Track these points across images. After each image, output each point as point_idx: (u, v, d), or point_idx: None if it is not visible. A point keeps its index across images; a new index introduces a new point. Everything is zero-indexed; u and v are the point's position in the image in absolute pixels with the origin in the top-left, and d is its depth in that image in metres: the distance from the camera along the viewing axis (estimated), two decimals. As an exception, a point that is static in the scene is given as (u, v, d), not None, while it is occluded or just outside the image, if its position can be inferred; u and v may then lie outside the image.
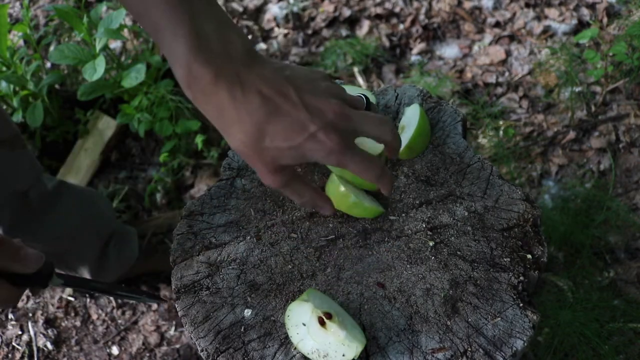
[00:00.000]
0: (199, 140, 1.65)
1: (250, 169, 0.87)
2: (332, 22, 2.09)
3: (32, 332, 1.44)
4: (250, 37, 2.10)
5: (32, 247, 1.18)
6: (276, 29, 2.10)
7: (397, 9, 2.10)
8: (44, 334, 1.43)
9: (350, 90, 0.91)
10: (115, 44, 2.02)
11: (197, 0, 0.58)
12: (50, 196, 1.17)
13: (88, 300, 1.49)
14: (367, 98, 0.75)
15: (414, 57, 1.97)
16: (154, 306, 1.47)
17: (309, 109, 0.60)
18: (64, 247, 1.24)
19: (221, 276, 0.76)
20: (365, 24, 2.07)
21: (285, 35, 2.07)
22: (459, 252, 0.74)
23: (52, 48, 1.91)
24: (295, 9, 2.10)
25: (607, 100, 1.73)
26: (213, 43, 0.57)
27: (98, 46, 1.47)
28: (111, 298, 1.48)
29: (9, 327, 1.45)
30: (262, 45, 2.06)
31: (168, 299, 1.48)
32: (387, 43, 2.00)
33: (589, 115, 1.71)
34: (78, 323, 1.46)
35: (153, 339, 1.43)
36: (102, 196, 1.38)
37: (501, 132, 1.71)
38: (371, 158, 0.65)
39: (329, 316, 0.60)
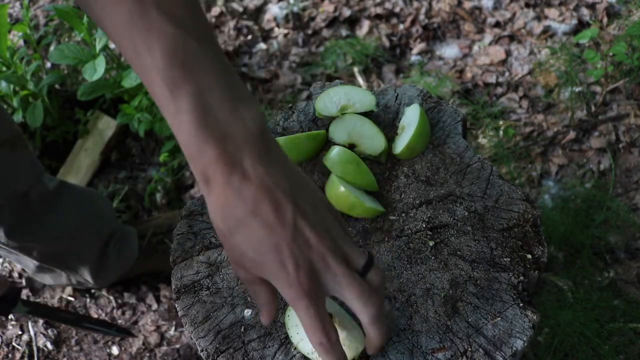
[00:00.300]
0: (199, 140, 1.65)
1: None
2: (332, 22, 2.09)
3: (32, 332, 1.44)
4: (250, 37, 2.10)
5: (32, 247, 1.19)
6: (276, 29, 2.10)
7: (397, 9, 2.10)
8: (44, 334, 1.43)
9: (351, 90, 0.91)
10: (115, 44, 2.01)
11: (210, 71, 0.52)
12: (51, 196, 1.17)
13: (88, 300, 1.49)
14: (371, 257, 0.59)
15: (414, 57, 1.97)
16: (154, 306, 1.47)
17: (296, 233, 0.53)
18: (64, 247, 1.24)
19: (221, 276, 0.76)
20: (365, 24, 2.07)
21: (285, 35, 2.07)
22: (459, 252, 0.74)
23: (52, 48, 1.91)
24: (295, 9, 2.10)
25: (607, 100, 1.73)
26: (221, 121, 0.52)
27: (98, 46, 1.47)
28: (111, 298, 1.48)
29: (9, 327, 1.45)
30: (262, 45, 2.06)
31: (168, 299, 1.48)
32: (387, 43, 2.00)
33: (589, 115, 1.71)
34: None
35: (153, 339, 1.43)
36: (102, 196, 1.38)
37: (501, 132, 1.71)
38: (324, 325, 0.55)
39: (329, 316, 0.60)
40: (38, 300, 1.49)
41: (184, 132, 0.51)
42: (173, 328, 1.44)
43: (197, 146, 0.51)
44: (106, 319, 1.45)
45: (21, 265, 1.30)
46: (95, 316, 1.46)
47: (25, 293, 1.51)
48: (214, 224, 0.55)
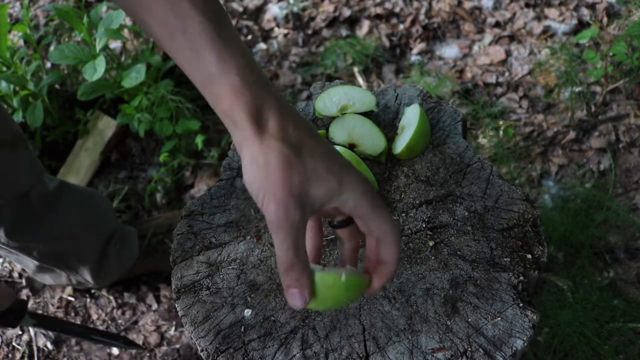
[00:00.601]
0: (199, 140, 1.65)
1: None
2: (332, 22, 2.09)
3: (32, 332, 1.44)
4: (250, 37, 2.10)
5: (32, 247, 1.19)
6: (276, 29, 2.10)
7: (397, 9, 2.10)
8: (44, 334, 1.43)
9: (351, 90, 0.91)
10: (115, 44, 2.02)
11: (242, 54, 0.57)
12: (51, 196, 1.17)
13: (88, 300, 1.49)
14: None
15: (414, 57, 1.97)
16: (154, 306, 1.47)
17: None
18: (64, 247, 1.24)
19: (221, 276, 0.76)
20: (365, 24, 2.07)
21: (285, 35, 2.07)
22: (459, 252, 0.74)
23: (52, 48, 1.91)
24: (295, 9, 2.10)
25: (607, 100, 1.73)
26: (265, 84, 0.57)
27: (98, 46, 1.47)
28: (111, 298, 1.48)
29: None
30: (262, 45, 2.06)
31: (168, 299, 1.48)
32: (387, 43, 2.00)
33: (589, 115, 1.71)
34: (78, 323, 1.46)
35: (153, 339, 1.43)
36: (103, 196, 1.38)
37: (501, 132, 1.71)
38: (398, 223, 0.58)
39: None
40: (38, 300, 1.49)
41: (243, 97, 0.55)
42: (173, 328, 1.44)
43: (232, 104, 0.55)
44: (112, 330, 1.45)
45: (21, 265, 1.31)
46: (95, 316, 1.47)
47: (25, 293, 1.51)
48: (270, 155, 0.54)
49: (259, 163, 0.54)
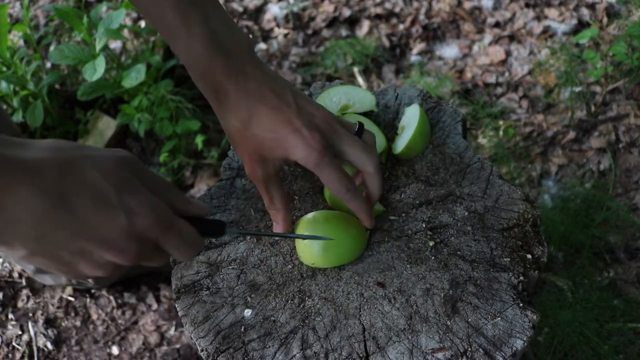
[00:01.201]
0: (199, 140, 1.65)
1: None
2: (332, 22, 2.09)
3: (32, 332, 1.44)
4: (250, 36, 2.10)
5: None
6: (276, 29, 2.10)
7: (397, 9, 2.10)
8: (44, 334, 1.43)
9: (351, 90, 0.91)
10: (115, 44, 2.02)
11: (208, 5, 0.65)
12: None
13: (88, 300, 1.49)
14: (361, 125, 0.72)
15: (414, 57, 1.97)
16: (154, 306, 1.47)
17: (300, 109, 0.65)
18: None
19: (221, 276, 0.76)
20: (365, 24, 2.07)
21: (285, 35, 2.07)
22: (459, 252, 0.74)
23: (52, 48, 1.91)
24: (295, 9, 2.10)
25: (607, 100, 1.73)
26: (224, 41, 0.64)
27: (98, 46, 1.47)
28: (111, 298, 1.48)
29: (9, 327, 1.45)
30: (262, 45, 2.06)
31: (168, 299, 1.48)
32: (387, 43, 2.00)
33: (588, 115, 1.71)
34: (78, 323, 1.46)
35: (153, 339, 1.43)
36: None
37: (501, 132, 1.71)
38: (346, 175, 0.67)
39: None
40: (38, 300, 1.49)
41: (196, 52, 0.63)
42: (173, 328, 1.44)
43: (208, 62, 0.64)
44: (112, 330, 1.45)
45: (21, 265, 1.31)
46: (95, 316, 1.47)
47: (25, 293, 1.51)
48: (230, 128, 0.66)
49: (228, 133, 0.67)
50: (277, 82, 0.67)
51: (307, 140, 0.64)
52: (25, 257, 0.50)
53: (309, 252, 0.72)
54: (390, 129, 0.89)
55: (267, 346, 0.69)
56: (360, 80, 1.89)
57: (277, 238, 0.79)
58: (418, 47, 1.99)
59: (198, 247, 0.59)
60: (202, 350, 0.70)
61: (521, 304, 0.69)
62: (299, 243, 0.73)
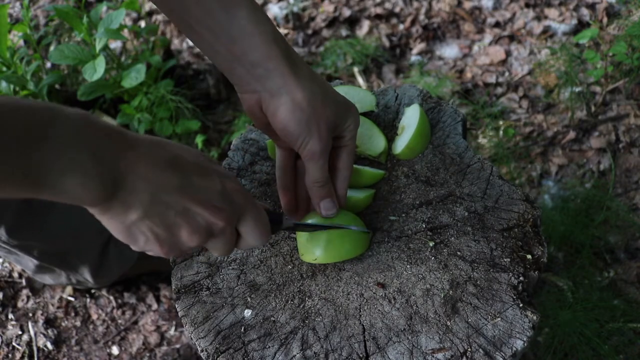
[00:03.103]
0: (199, 140, 1.65)
1: (249, 169, 0.87)
2: (332, 22, 2.09)
3: (32, 332, 1.44)
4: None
5: (33, 246, 1.19)
6: (276, 29, 2.10)
7: (397, 9, 2.10)
8: (44, 334, 1.43)
9: (351, 90, 0.91)
10: (115, 44, 2.02)
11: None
12: None
13: (88, 300, 1.49)
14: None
15: (414, 57, 1.97)
16: (154, 306, 1.47)
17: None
18: (65, 245, 1.24)
19: (221, 276, 0.76)
20: (365, 24, 2.07)
21: (285, 35, 2.07)
22: (459, 253, 0.74)
23: (52, 48, 1.91)
24: (295, 9, 2.10)
25: (607, 100, 1.73)
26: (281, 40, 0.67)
27: (98, 46, 1.47)
28: (111, 298, 1.48)
29: (9, 327, 1.45)
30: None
31: (168, 299, 1.48)
32: (387, 43, 2.00)
33: (589, 115, 1.71)
34: (78, 323, 1.46)
35: (153, 339, 1.43)
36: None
37: (501, 132, 1.71)
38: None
39: None
40: (38, 300, 1.49)
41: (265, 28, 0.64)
42: (173, 328, 1.44)
43: (268, 52, 0.64)
44: (112, 330, 1.45)
45: (21, 265, 1.31)
46: (95, 316, 1.47)
47: (25, 293, 1.51)
48: (310, 95, 0.65)
49: (302, 107, 0.65)
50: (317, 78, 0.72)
51: (355, 108, 0.71)
52: (134, 223, 0.55)
53: (310, 248, 0.72)
54: (390, 129, 0.89)
55: (267, 346, 0.69)
56: (360, 80, 1.89)
57: (277, 238, 0.79)
58: (418, 47, 1.99)
59: (269, 231, 0.64)
60: (202, 351, 0.70)
61: (521, 304, 0.69)
62: (301, 240, 0.73)
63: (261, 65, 0.64)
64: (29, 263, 1.27)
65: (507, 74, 1.89)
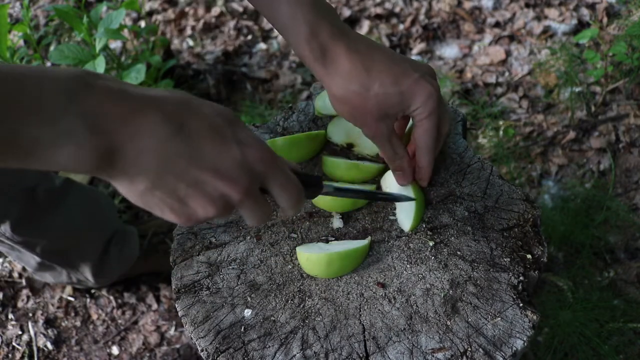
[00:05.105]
0: (199, 140, 1.65)
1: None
2: (332, 22, 2.08)
3: (32, 332, 1.44)
4: (250, 37, 2.10)
5: (36, 243, 1.19)
6: (276, 29, 2.10)
7: (397, 9, 2.10)
8: (44, 334, 1.43)
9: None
10: (115, 44, 2.02)
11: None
12: (57, 192, 1.17)
13: (88, 300, 1.49)
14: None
15: (414, 57, 1.97)
16: (154, 306, 1.47)
17: (410, 61, 0.70)
18: (67, 243, 1.25)
19: (221, 276, 0.76)
20: (365, 24, 2.07)
21: (285, 35, 2.07)
22: (459, 252, 0.74)
23: (52, 48, 1.91)
24: (295, 9, 2.10)
25: (607, 100, 1.73)
26: (325, 5, 0.69)
27: (98, 46, 1.47)
28: (111, 298, 1.48)
29: (9, 327, 1.45)
30: (262, 45, 2.06)
31: (168, 299, 1.48)
32: (387, 43, 2.00)
33: (589, 115, 1.71)
34: (78, 323, 1.46)
35: (153, 339, 1.43)
36: (106, 195, 1.38)
37: (501, 132, 1.71)
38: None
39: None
40: (38, 300, 1.49)
41: (302, 14, 0.66)
42: (173, 328, 1.44)
43: (315, 23, 0.66)
44: (112, 330, 1.45)
45: (22, 263, 1.31)
46: (95, 316, 1.47)
47: (25, 293, 1.51)
48: (347, 93, 0.68)
49: (341, 102, 0.69)
50: (374, 41, 0.70)
51: (427, 88, 0.67)
52: (144, 193, 0.52)
53: (311, 265, 0.72)
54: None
55: (267, 346, 0.69)
56: (360, 80, 1.89)
57: (277, 238, 0.79)
58: (418, 47, 1.99)
59: (301, 194, 0.60)
60: (202, 350, 0.70)
61: (521, 304, 0.69)
62: (302, 259, 0.73)
63: (303, 61, 0.69)
64: (31, 260, 1.27)
65: (507, 74, 1.89)
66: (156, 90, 0.52)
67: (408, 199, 0.74)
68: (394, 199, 0.75)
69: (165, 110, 0.50)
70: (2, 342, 1.43)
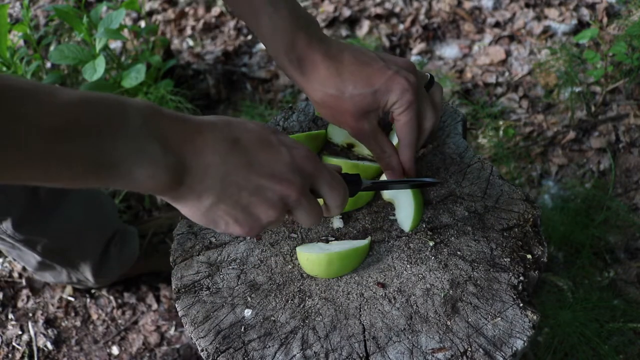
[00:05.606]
0: (199, 140, 1.65)
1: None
2: (332, 22, 2.09)
3: (32, 332, 1.44)
4: (250, 37, 2.10)
5: (37, 241, 1.19)
6: (276, 29, 2.10)
7: (397, 9, 2.10)
8: (44, 334, 1.43)
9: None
10: (115, 44, 2.02)
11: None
12: (59, 191, 1.17)
13: (88, 300, 1.49)
14: (432, 77, 0.77)
15: (414, 57, 1.97)
16: (154, 306, 1.47)
17: (383, 59, 0.72)
18: (68, 242, 1.25)
19: (221, 276, 0.76)
20: (365, 24, 2.07)
21: (285, 35, 2.07)
22: (459, 252, 0.74)
23: (52, 48, 1.91)
24: (295, 9, 2.10)
25: (607, 100, 1.73)
26: (303, 15, 0.72)
27: (98, 46, 1.47)
28: (111, 298, 1.48)
29: (9, 327, 1.45)
30: (262, 46, 2.06)
31: (168, 299, 1.48)
32: (387, 43, 2.00)
33: (589, 115, 1.71)
34: (78, 323, 1.46)
35: (153, 339, 1.43)
36: (107, 195, 1.39)
37: (501, 132, 1.71)
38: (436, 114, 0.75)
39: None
40: (38, 300, 1.49)
41: (282, 25, 0.69)
42: (173, 328, 1.44)
43: (293, 34, 0.69)
44: (112, 330, 1.45)
45: (23, 262, 1.31)
46: (95, 316, 1.47)
47: (25, 293, 1.51)
48: (324, 97, 0.71)
49: (321, 106, 0.73)
50: (347, 44, 0.73)
51: (402, 83, 0.69)
52: (209, 209, 0.56)
53: (311, 265, 0.72)
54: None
55: (267, 346, 0.69)
56: (360, 80, 1.89)
57: (277, 238, 0.79)
58: (418, 47, 1.99)
59: (347, 192, 0.64)
60: (202, 350, 0.70)
61: (521, 304, 0.69)
62: (302, 256, 0.73)
63: (284, 71, 0.73)
64: (32, 259, 1.27)
65: (507, 74, 1.89)
66: (204, 117, 0.58)
67: (435, 182, 0.76)
68: (427, 183, 0.77)
69: (220, 131, 0.56)
70: (2, 342, 1.43)
